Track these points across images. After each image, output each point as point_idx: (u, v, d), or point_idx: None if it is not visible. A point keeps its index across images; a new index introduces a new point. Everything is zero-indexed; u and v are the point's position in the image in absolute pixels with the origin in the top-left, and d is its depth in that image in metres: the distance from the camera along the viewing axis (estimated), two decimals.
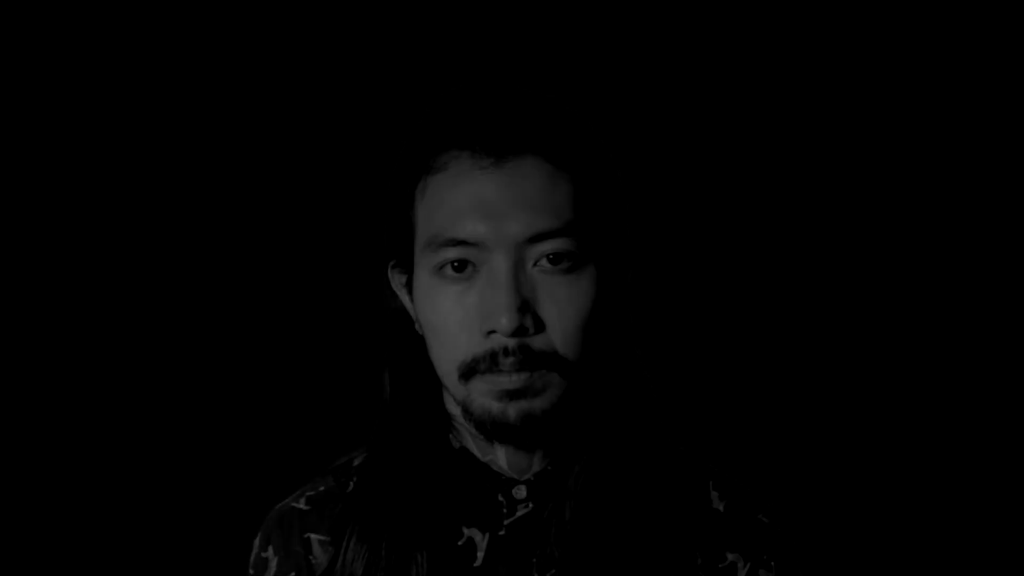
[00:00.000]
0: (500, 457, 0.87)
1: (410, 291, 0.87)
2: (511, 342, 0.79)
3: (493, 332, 0.79)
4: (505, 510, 0.86)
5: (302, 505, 0.90)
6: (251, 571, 0.90)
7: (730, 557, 0.87)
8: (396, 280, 0.90)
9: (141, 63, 1.39)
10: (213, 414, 1.43)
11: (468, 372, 0.81)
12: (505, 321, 0.78)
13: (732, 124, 1.42)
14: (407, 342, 0.89)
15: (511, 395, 0.80)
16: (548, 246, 0.80)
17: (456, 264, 0.81)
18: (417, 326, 0.87)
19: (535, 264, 0.81)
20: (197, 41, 1.39)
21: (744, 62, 1.41)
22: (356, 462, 0.92)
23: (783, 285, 1.43)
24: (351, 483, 0.91)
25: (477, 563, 0.85)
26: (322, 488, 0.91)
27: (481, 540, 0.86)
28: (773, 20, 1.40)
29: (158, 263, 1.41)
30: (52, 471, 1.39)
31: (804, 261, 1.43)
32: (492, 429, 0.81)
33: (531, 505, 0.86)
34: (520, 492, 0.87)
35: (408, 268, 0.86)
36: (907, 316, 1.42)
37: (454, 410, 0.86)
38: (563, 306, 0.81)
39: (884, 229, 1.42)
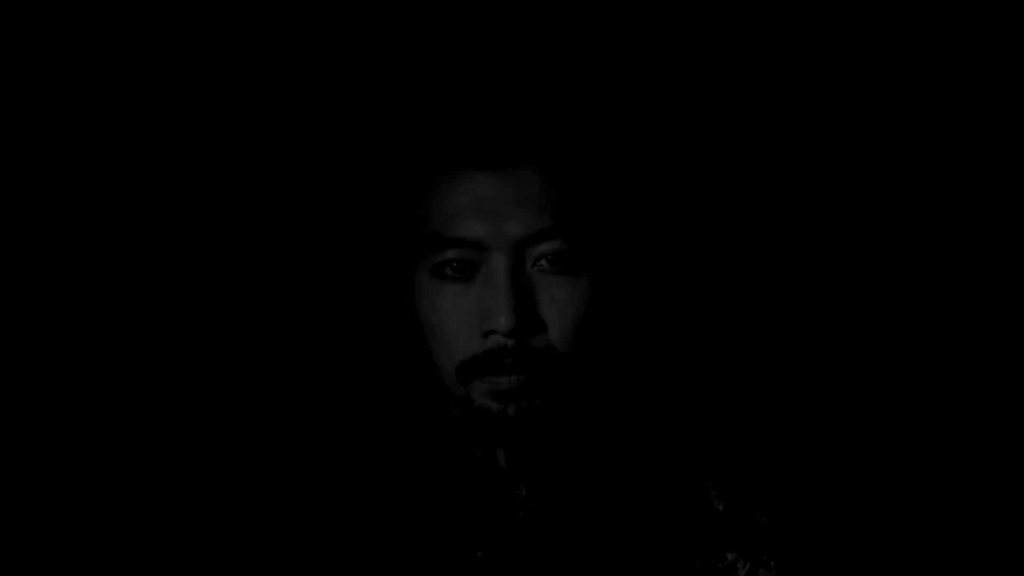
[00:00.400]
0: (500, 457, 0.87)
1: (410, 291, 0.87)
2: (510, 342, 0.79)
3: (492, 332, 0.79)
4: (505, 510, 0.86)
5: (300, 504, 0.90)
6: (248, 570, 0.90)
7: (730, 557, 0.87)
8: (396, 280, 0.90)
9: (141, 63, 1.39)
10: (212, 413, 1.42)
11: (467, 372, 0.81)
12: (504, 321, 0.78)
13: (731, 124, 1.42)
14: (407, 342, 0.89)
15: (510, 395, 0.80)
16: (547, 246, 0.80)
17: (455, 264, 0.81)
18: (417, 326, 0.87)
19: (534, 264, 0.81)
20: (198, 42, 1.39)
21: (743, 62, 1.41)
22: (355, 461, 0.92)
23: (783, 284, 1.43)
24: (350, 482, 0.91)
25: (477, 563, 0.85)
26: (320, 487, 0.91)
27: (481, 540, 0.86)
28: (772, 20, 1.40)
29: (158, 262, 1.41)
30: (52, 471, 1.39)
31: (804, 261, 1.43)
32: (492, 429, 0.81)
33: (531, 505, 0.86)
34: (520, 492, 0.87)
35: (408, 268, 0.86)
36: (907, 316, 1.42)
37: (454, 410, 0.87)
38: (562, 306, 0.81)
39: (884, 229, 1.42)
